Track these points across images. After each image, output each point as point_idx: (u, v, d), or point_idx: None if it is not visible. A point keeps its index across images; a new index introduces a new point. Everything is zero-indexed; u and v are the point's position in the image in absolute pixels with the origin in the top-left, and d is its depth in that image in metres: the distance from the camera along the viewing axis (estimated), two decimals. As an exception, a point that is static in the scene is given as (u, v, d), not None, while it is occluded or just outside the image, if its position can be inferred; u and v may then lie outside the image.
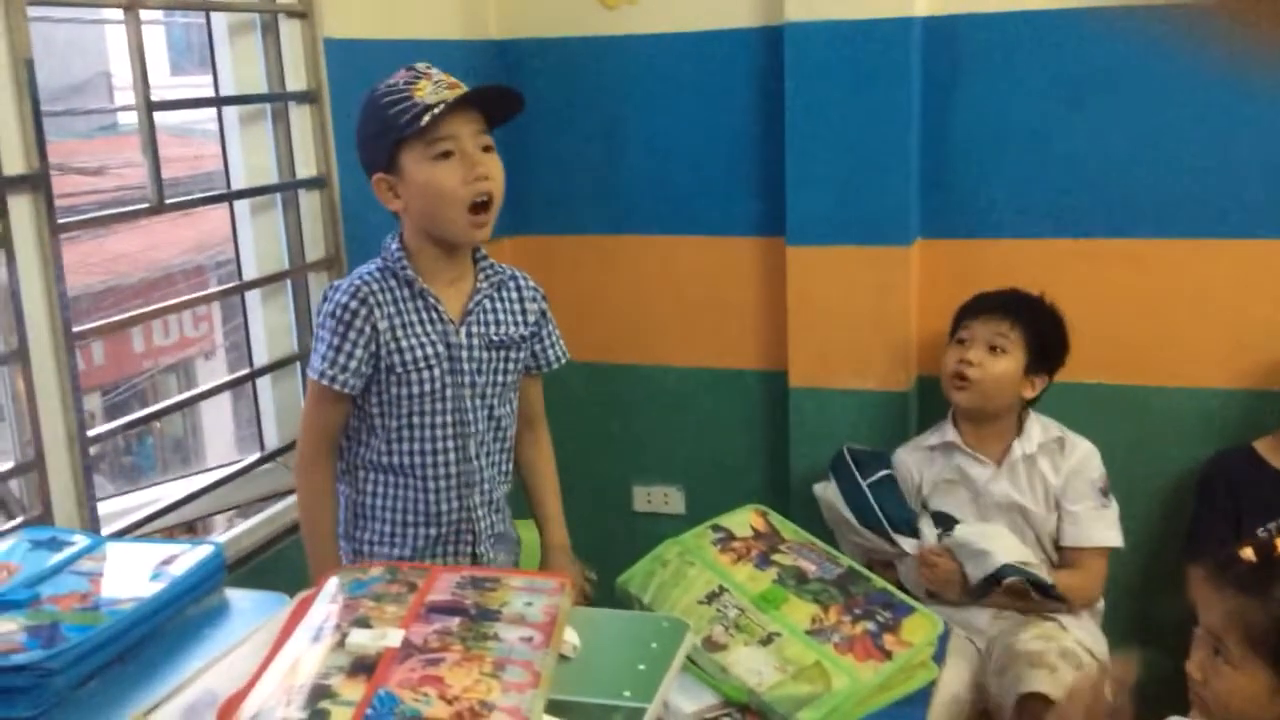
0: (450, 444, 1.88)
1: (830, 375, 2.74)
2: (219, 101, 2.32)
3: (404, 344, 1.82)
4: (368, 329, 1.80)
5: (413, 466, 1.87)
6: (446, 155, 1.77)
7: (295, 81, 2.32)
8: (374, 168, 1.82)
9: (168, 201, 2.05)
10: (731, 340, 2.93)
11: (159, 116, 2.03)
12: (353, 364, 1.80)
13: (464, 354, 1.86)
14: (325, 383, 1.80)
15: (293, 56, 2.31)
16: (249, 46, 2.31)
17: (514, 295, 1.95)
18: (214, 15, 2.28)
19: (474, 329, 1.88)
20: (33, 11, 1.76)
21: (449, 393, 1.86)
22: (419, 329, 1.83)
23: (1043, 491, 2.40)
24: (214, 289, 2.42)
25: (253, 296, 2.38)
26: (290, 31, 2.31)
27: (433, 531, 1.91)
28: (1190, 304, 2.57)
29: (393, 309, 1.82)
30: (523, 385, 2.00)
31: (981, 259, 2.67)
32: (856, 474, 2.46)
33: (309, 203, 2.38)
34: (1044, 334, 2.42)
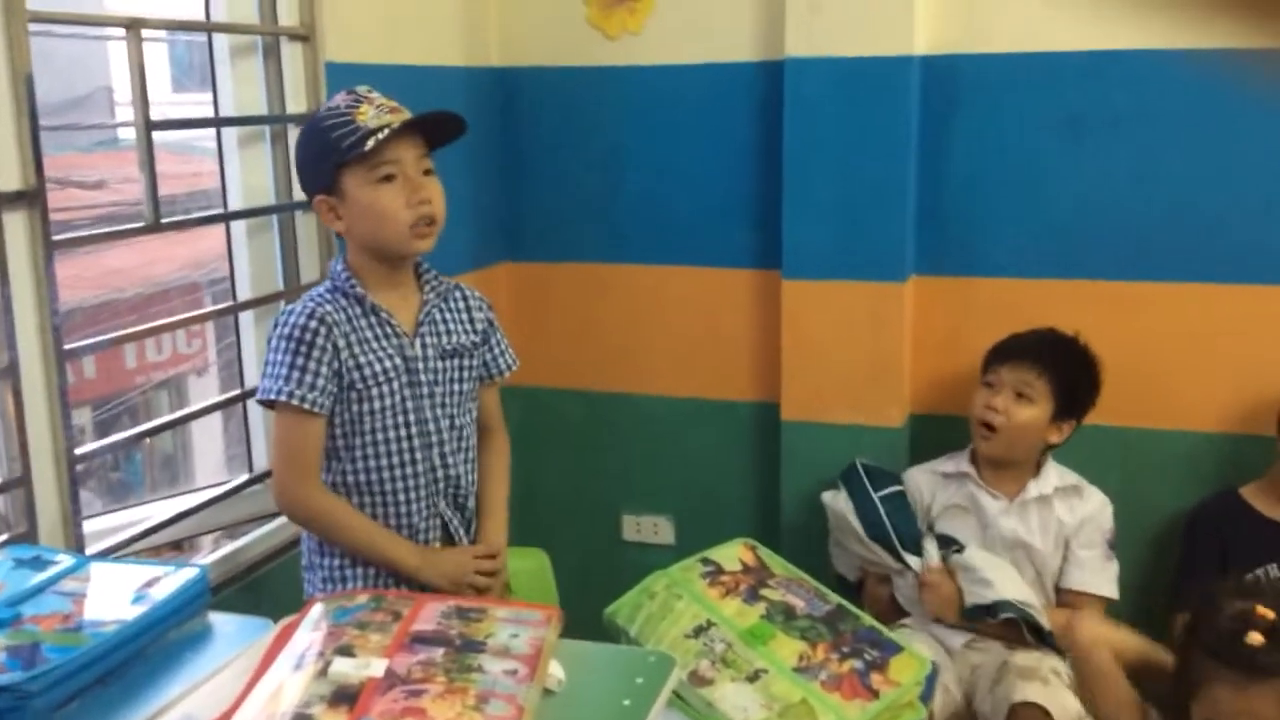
0: (418, 454, 1.88)
1: (823, 409, 2.73)
2: (218, 122, 2.33)
3: (362, 360, 1.82)
4: (330, 347, 1.79)
5: (381, 482, 1.87)
6: (389, 179, 1.79)
7: (295, 104, 2.33)
8: (315, 190, 1.84)
9: (164, 220, 2.05)
10: (724, 371, 2.93)
11: (159, 133, 2.03)
12: (320, 382, 1.79)
13: (420, 365, 1.88)
14: (296, 403, 1.78)
15: (294, 79, 2.32)
16: (250, 68, 2.31)
17: (460, 305, 1.98)
18: (216, 36, 2.29)
19: (427, 339, 1.90)
20: (35, 26, 1.76)
21: (409, 405, 1.87)
22: (374, 345, 1.84)
23: (1054, 532, 2.40)
24: (208, 308, 2.42)
25: (246, 317, 2.38)
26: (292, 54, 2.31)
27: None
28: (1182, 348, 2.58)
29: (348, 327, 1.82)
30: (479, 395, 2.01)
31: (975, 297, 2.68)
32: (869, 486, 2.45)
33: (305, 225, 2.38)
34: (1073, 380, 2.40)
